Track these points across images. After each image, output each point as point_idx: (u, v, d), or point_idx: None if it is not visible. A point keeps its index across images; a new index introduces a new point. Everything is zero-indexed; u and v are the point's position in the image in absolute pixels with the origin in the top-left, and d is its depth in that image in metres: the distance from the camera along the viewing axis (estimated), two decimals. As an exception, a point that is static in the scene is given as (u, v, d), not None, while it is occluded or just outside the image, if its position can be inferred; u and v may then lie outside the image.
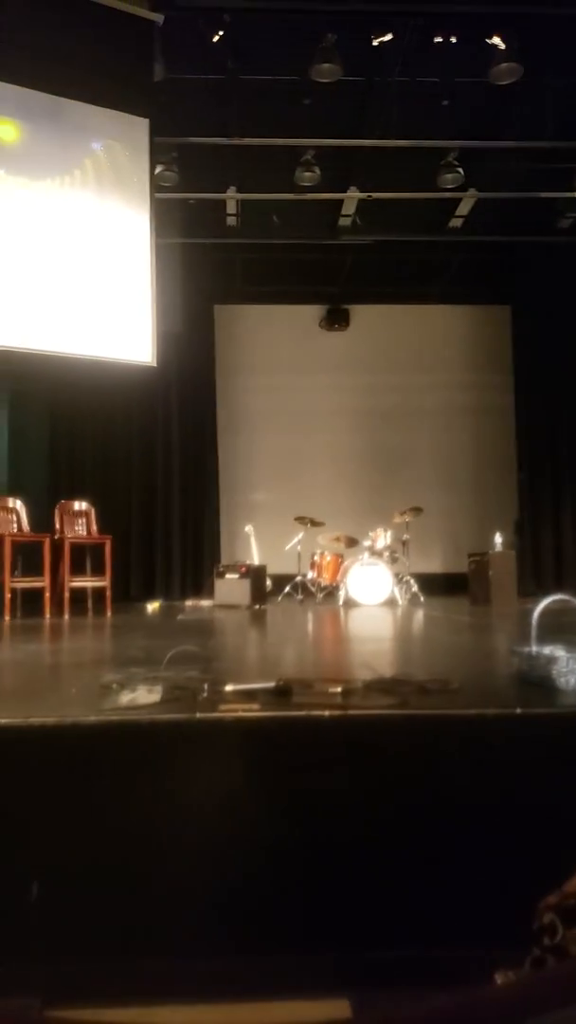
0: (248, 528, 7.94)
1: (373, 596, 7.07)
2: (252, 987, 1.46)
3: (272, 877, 1.63)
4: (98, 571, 6.48)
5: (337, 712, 1.82)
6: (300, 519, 7.88)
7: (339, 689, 2.04)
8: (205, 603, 7.48)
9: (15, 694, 2.51)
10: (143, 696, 2.04)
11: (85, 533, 6.67)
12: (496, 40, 6.15)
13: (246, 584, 7.00)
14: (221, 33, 6.17)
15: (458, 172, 7.44)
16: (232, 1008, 1.43)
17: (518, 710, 1.84)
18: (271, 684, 2.10)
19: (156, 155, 6.95)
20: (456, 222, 8.49)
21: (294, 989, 1.46)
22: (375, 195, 7.86)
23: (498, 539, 7.42)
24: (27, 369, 6.66)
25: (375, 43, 6.19)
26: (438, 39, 6.22)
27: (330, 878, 1.65)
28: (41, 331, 6.35)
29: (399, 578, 7.39)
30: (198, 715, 1.82)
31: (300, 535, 7.81)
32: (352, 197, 7.98)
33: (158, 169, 7.09)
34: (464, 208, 8.27)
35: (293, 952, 1.56)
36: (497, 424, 9.74)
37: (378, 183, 7.75)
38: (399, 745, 1.76)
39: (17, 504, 6.38)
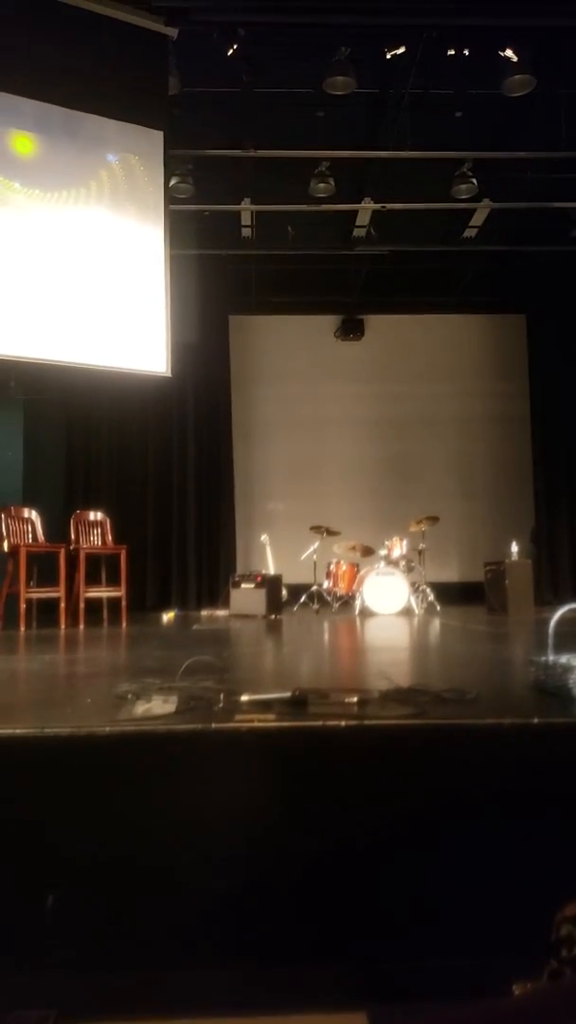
0: (264, 538, 7.95)
1: (389, 605, 7.05)
2: (269, 1000, 1.45)
3: (289, 888, 1.62)
4: (113, 581, 6.50)
5: (354, 722, 1.81)
6: (316, 528, 7.88)
7: (355, 699, 2.04)
8: (221, 613, 7.49)
9: (31, 704, 2.52)
10: (158, 706, 2.04)
11: (100, 543, 6.69)
12: (509, 52, 6.16)
13: (262, 594, 7.00)
14: (235, 46, 6.22)
15: (472, 183, 7.47)
16: (248, 1021, 1.42)
17: (535, 720, 1.82)
18: (287, 694, 2.09)
19: (171, 167, 7.01)
20: (471, 232, 8.51)
21: (311, 1002, 1.45)
22: (389, 206, 7.89)
23: (515, 548, 7.39)
24: (43, 379, 6.72)
25: (388, 56, 6.23)
26: (451, 52, 6.24)
27: (347, 889, 1.64)
28: (57, 342, 6.40)
29: (415, 587, 7.37)
30: (214, 725, 1.82)
31: (316, 544, 7.81)
32: (366, 208, 8.01)
33: (173, 181, 7.16)
34: (478, 218, 8.29)
35: (310, 964, 1.55)
36: (513, 432, 9.72)
37: (392, 194, 7.78)
38: (416, 755, 1.75)
39: (33, 514, 6.41)
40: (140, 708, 2.03)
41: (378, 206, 7.95)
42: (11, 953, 1.55)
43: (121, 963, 1.56)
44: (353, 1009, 1.44)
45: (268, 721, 1.85)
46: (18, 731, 1.80)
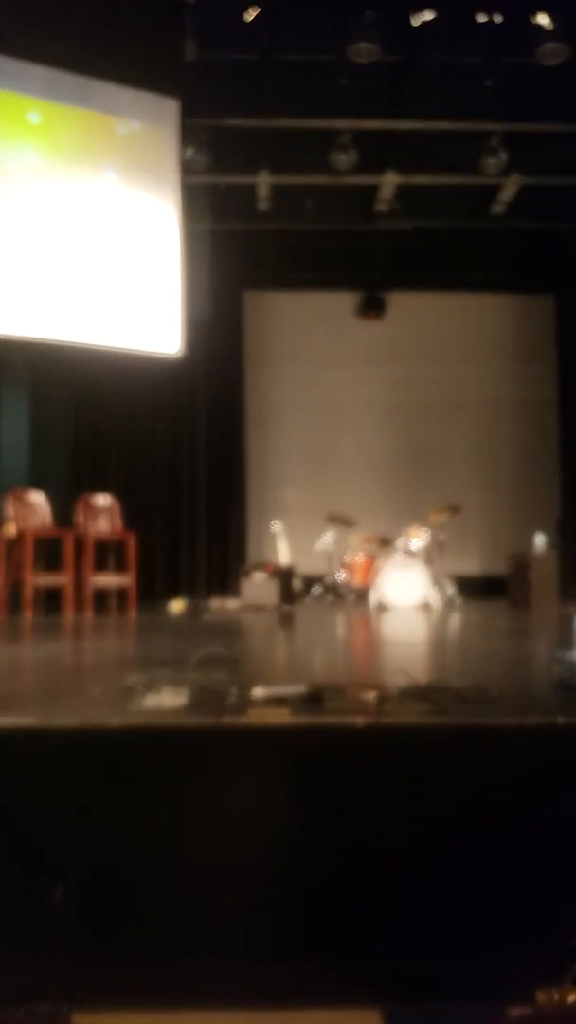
0: (275, 525, 7.93)
1: (407, 598, 7.05)
2: (282, 995, 1.48)
3: (302, 885, 1.64)
4: (122, 568, 6.53)
5: (372, 720, 1.83)
6: (331, 517, 7.88)
7: (373, 696, 2.05)
8: (231, 603, 7.51)
9: (38, 695, 2.55)
10: (169, 699, 2.06)
11: (109, 529, 6.72)
12: (542, 19, 6.09)
13: (274, 584, 7.03)
14: (255, 11, 6.17)
15: (501, 156, 7.39)
16: (261, 1016, 1.45)
17: (560, 719, 1.83)
18: (302, 689, 2.11)
19: (186, 137, 6.99)
20: (498, 208, 8.43)
21: (325, 998, 1.47)
22: (414, 179, 7.83)
23: (539, 539, 7.36)
24: (51, 360, 6.73)
25: (415, 22, 6.17)
26: (481, 18, 6.18)
27: (363, 887, 1.66)
28: (66, 320, 6.42)
29: (434, 580, 7.36)
30: (226, 720, 1.84)
31: (331, 534, 7.81)
32: (390, 181, 7.95)
33: (188, 152, 7.13)
34: (507, 194, 8.20)
35: (325, 961, 1.57)
36: (539, 419, 9.66)
37: (417, 167, 7.72)
38: (435, 754, 1.77)
39: (40, 498, 6.45)
40: (150, 700, 2.05)
41: (402, 179, 7.89)
42: (22, 946, 1.58)
43: (132, 957, 1.59)
44: (367, 1006, 1.47)
45: (282, 717, 1.87)
46: (25, 722, 1.83)
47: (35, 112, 6.38)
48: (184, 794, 1.74)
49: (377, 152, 7.60)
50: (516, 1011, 0.96)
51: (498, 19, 6.16)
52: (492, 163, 7.43)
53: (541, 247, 9.22)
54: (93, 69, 6.50)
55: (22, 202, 6.32)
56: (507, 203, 8.36)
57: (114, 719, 1.85)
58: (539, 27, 6.14)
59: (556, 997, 0.91)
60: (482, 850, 1.68)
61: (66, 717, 1.87)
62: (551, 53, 6.23)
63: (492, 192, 8.25)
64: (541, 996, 0.87)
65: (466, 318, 9.87)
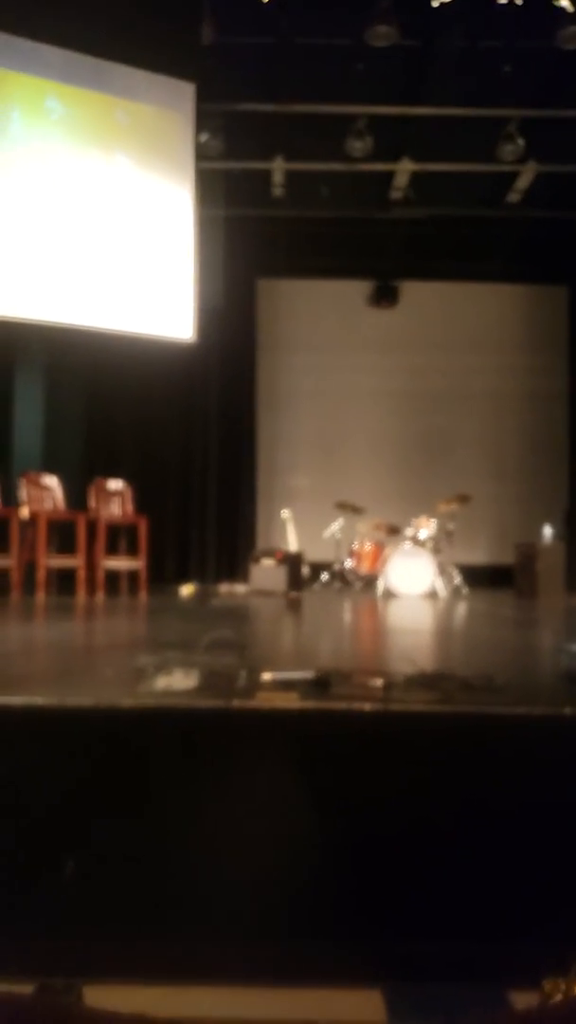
0: (285, 513, 7.95)
1: (414, 587, 7.07)
2: (287, 973, 1.51)
3: (308, 865, 1.67)
4: (133, 551, 6.57)
5: (378, 706, 1.85)
6: (340, 505, 7.89)
7: (380, 682, 2.07)
8: (239, 588, 7.54)
9: (51, 675, 2.58)
10: (179, 681, 2.08)
11: (120, 512, 6.75)
12: (564, 2, 6.02)
13: (282, 570, 7.05)
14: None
15: (518, 143, 7.32)
16: (264, 993, 1.47)
17: (566, 710, 1.84)
18: (310, 674, 2.13)
19: (201, 122, 6.95)
20: (514, 196, 8.37)
21: (327, 978, 1.50)
22: (429, 167, 7.78)
23: (547, 530, 7.36)
24: (65, 344, 6.75)
25: (434, 4, 6.10)
26: (502, 0, 6.11)
27: (367, 869, 1.69)
28: (79, 304, 6.42)
29: (442, 569, 7.36)
30: (235, 703, 1.86)
31: (340, 521, 7.82)
32: (405, 168, 7.90)
33: (203, 137, 7.10)
34: (523, 182, 8.14)
35: (327, 942, 1.60)
36: (550, 410, 9.63)
37: (433, 154, 7.67)
38: (441, 741, 1.78)
39: (53, 481, 6.48)
40: (160, 682, 2.07)
41: (417, 167, 7.84)
42: (35, 921, 1.61)
43: (138, 931, 1.62)
44: (368, 986, 1.49)
45: (290, 701, 1.89)
46: (39, 702, 1.85)
47: (51, 95, 6.37)
48: (193, 774, 1.76)
49: (392, 139, 7.55)
50: (521, 1001, 0.97)
51: (519, 1, 6.07)
52: (509, 150, 7.37)
53: (556, 236, 9.16)
54: (109, 52, 6.47)
55: (37, 186, 6.31)
56: (523, 191, 8.30)
57: (125, 700, 1.87)
58: (561, 10, 6.05)
59: (563, 988, 0.92)
60: (487, 836, 1.70)
61: (79, 697, 1.89)
62: (572, 37, 6.16)
63: (508, 180, 8.19)
64: (547, 985, 0.89)
65: (478, 308, 9.82)
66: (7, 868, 1.67)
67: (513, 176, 8.09)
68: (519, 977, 1.31)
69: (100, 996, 0.97)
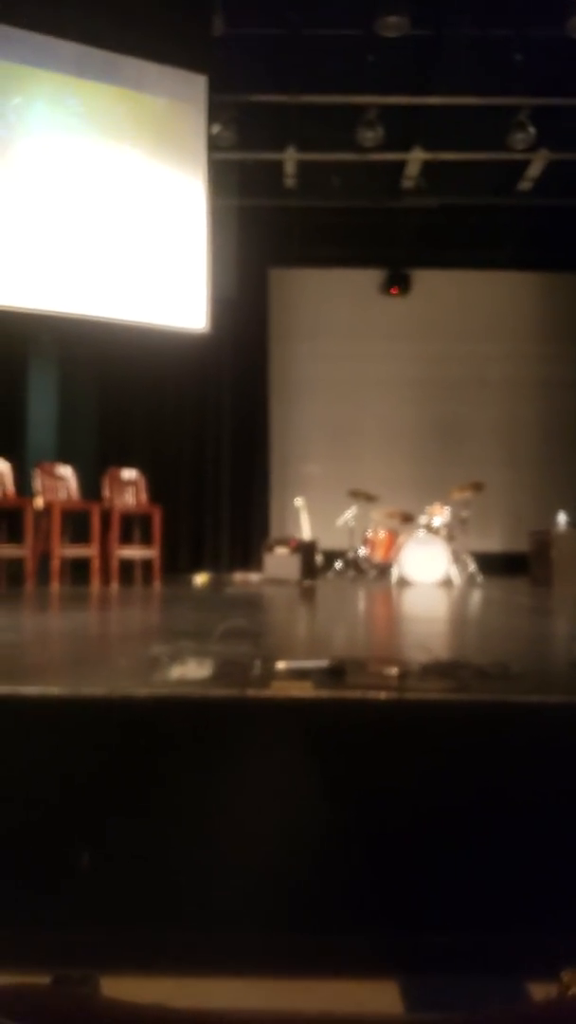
0: (299, 501, 7.93)
1: (428, 575, 7.04)
2: (301, 965, 1.49)
3: (324, 856, 1.65)
4: (147, 541, 6.57)
5: (394, 695, 1.83)
6: (354, 493, 7.86)
7: (395, 671, 2.04)
8: (253, 577, 7.54)
9: (65, 664, 2.57)
10: (193, 670, 2.07)
11: (135, 502, 6.75)
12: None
13: (296, 559, 7.03)
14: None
15: (529, 132, 7.25)
16: (281, 984, 1.46)
17: (582, 698, 1.82)
18: (324, 663, 2.11)
19: (213, 113, 6.91)
20: (526, 185, 8.28)
21: (343, 969, 1.48)
22: (440, 156, 7.71)
23: (562, 518, 7.29)
24: (77, 335, 6.74)
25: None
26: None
27: (382, 860, 1.67)
28: (92, 295, 6.41)
29: (456, 557, 7.33)
30: (250, 692, 1.84)
31: (353, 509, 7.79)
32: (416, 158, 7.84)
33: (215, 128, 7.06)
34: (535, 170, 8.06)
35: (343, 933, 1.58)
36: (564, 397, 9.56)
37: (444, 143, 7.60)
38: (457, 730, 1.76)
39: (67, 471, 6.49)
40: (175, 671, 2.06)
41: (429, 156, 7.77)
42: (51, 912, 1.60)
43: (154, 922, 1.61)
44: (385, 977, 1.47)
45: (305, 690, 1.87)
46: (54, 691, 1.84)
47: (64, 89, 6.34)
48: (208, 764, 1.74)
49: (403, 128, 7.49)
50: (539, 992, 0.95)
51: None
52: (520, 138, 7.29)
53: (567, 224, 9.07)
54: (122, 45, 6.44)
55: (50, 178, 6.29)
56: (534, 179, 8.22)
57: (140, 689, 1.86)
58: (571, -1, 5.99)
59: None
60: (504, 825, 1.68)
61: (93, 687, 1.88)
62: (583, 25, 6.08)
63: (519, 168, 8.11)
64: (566, 976, 0.87)
65: (491, 296, 9.74)
66: (23, 860, 1.66)
67: (524, 164, 8.01)
68: (537, 968, 1.29)
69: (117, 987, 0.95)
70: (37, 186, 6.25)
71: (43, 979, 0.91)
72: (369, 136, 7.30)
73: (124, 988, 0.98)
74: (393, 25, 6.19)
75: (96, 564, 6.14)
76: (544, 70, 6.78)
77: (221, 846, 1.66)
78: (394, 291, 9.73)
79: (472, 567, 7.48)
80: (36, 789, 1.72)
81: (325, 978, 1.47)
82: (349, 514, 7.81)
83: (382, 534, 7.70)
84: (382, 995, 1.40)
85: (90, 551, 6.14)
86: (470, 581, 7.33)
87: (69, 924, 1.57)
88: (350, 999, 1.42)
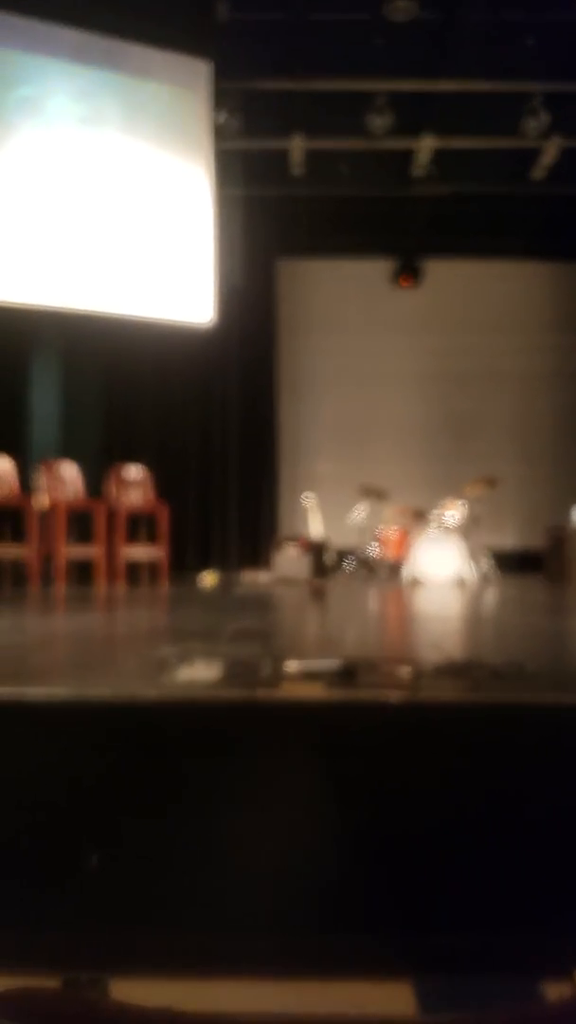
0: (309, 499, 7.93)
1: (441, 573, 7.04)
2: (314, 967, 1.51)
3: (336, 858, 1.67)
4: (153, 540, 6.58)
5: (406, 696, 1.84)
6: (364, 489, 7.86)
7: (407, 671, 2.05)
8: (263, 576, 7.55)
9: (71, 666, 2.60)
10: (202, 671, 2.09)
11: (141, 500, 6.77)
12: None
13: (306, 558, 7.05)
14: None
15: (542, 118, 7.23)
16: (293, 986, 1.48)
17: (598, 699, 1.82)
18: (335, 663, 2.12)
19: (218, 101, 6.92)
20: (539, 172, 8.26)
21: (357, 970, 1.50)
22: (452, 143, 7.70)
23: (578, 515, 7.29)
24: (81, 330, 6.76)
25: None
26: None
27: (394, 861, 1.68)
28: (97, 290, 6.42)
29: (470, 554, 7.32)
30: (260, 694, 1.86)
31: (364, 506, 7.80)
32: (427, 145, 7.82)
33: (220, 116, 7.06)
34: (548, 157, 8.03)
35: (357, 934, 1.60)
36: (580, 391, 9.54)
37: (455, 130, 7.58)
38: (471, 731, 1.77)
39: (71, 469, 6.50)
40: (183, 673, 2.08)
41: (439, 143, 7.76)
42: (60, 914, 1.63)
43: (164, 924, 1.63)
44: (398, 978, 1.49)
45: (316, 691, 1.88)
46: (61, 693, 1.86)
47: (65, 78, 6.35)
48: (217, 766, 1.76)
49: (414, 115, 7.47)
50: (553, 991, 0.97)
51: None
52: (533, 125, 7.27)
53: (583, 212, 9.04)
54: (125, 32, 6.45)
55: (52, 170, 6.31)
56: (547, 167, 8.19)
57: (148, 691, 1.88)
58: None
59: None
60: (517, 826, 1.69)
61: (101, 689, 1.90)
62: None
63: (532, 156, 8.08)
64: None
65: (504, 286, 9.72)
66: (31, 863, 1.68)
67: (537, 152, 7.98)
68: (551, 968, 1.31)
69: (126, 990, 0.97)
70: (39, 178, 6.27)
71: (53, 982, 0.93)
72: (378, 123, 7.29)
73: (133, 991, 1.00)
74: (402, 9, 6.18)
75: (101, 564, 6.16)
76: (558, 55, 6.76)
77: (230, 848, 1.68)
78: (405, 282, 9.71)
79: (486, 564, 7.48)
80: (44, 791, 1.74)
81: (337, 980, 1.49)
82: (360, 511, 7.81)
83: (394, 532, 7.70)
84: (396, 996, 1.42)
85: (95, 551, 6.16)
86: (484, 579, 7.33)
87: (78, 926, 1.59)
88: (363, 1001, 1.43)
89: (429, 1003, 1.39)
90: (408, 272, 9.75)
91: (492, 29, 6.44)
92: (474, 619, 4.52)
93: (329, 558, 7.51)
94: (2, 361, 8.21)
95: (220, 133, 7.08)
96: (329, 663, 2.14)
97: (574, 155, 7.93)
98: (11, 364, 8.02)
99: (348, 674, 2.06)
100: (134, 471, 6.92)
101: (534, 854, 1.66)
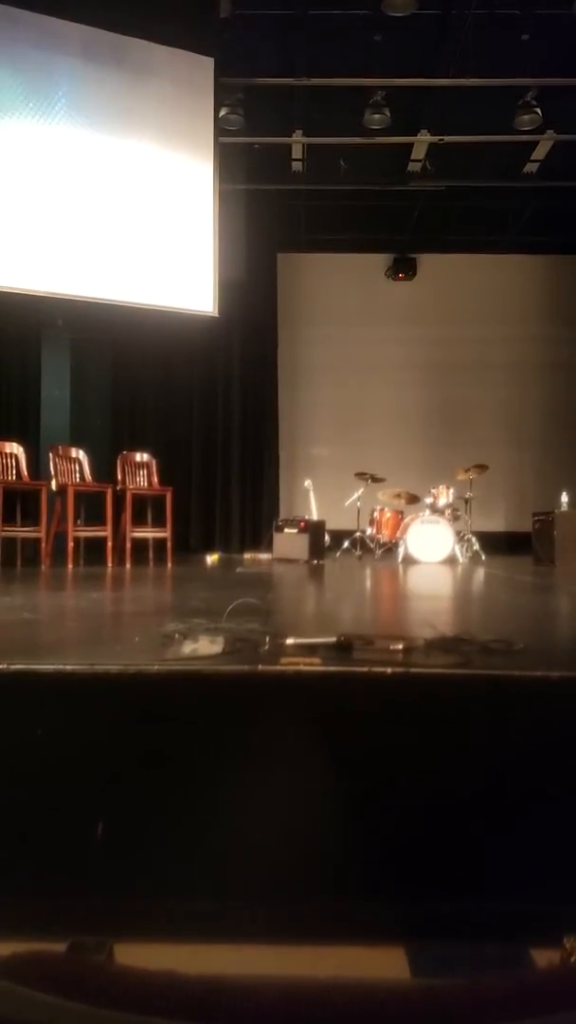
0: (307, 483, 7.94)
1: (433, 554, 7.04)
2: (310, 932, 1.50)
3: (332, 825, 1.66)
4: (159, 522, 6.58)
5: (399, 669, 1.83)
6: (361, 474, 7.84)
7: (400, 646, 2.04)
8: (263, 556, 7.54)
9: (80, 641, 2.59)
10: (205, 646, 2.08)
11: (147, 484, 6.76)
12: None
13: (305, 539, 7.04)
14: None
15: (536, 113, 7.16)
16: (290, 951, 1.47)
17: (585, 673, 1.81)
18: (332, 639, 2.11)
19: (221, 96, 6.84)
20: (532, 167, 8.19)
21: (352, 936, 1.49)
22: (447, 138, 7.62)
23: (564, 498, 7.27)
24: (90, 318, 6.71)
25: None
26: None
27: (388, 829, 1.68)
28: (103, 279, 6.37)
29: (460, 536, 7.32)
30: (260, 667, 1.85)
31: (360, 490, 7.79)
32: (423, 141, 7.75)
33: (223, 111, 6.99)
34: (541, 152, 7.96)
35: (351, 900, 1.59)
36: (569, 380, 9.51)
37: (450, 126, 7.51)
38: (461, 703, 1.76)
39: (80, 454, 6.49)
40: (187, 648, 2.07)
41: (435, 138, 7.68)
42: (66, 881, 1.62)
43: (166, 890, 1.62)
44: (392, 944, 1.49)
45: (314, 665, 1.87)
46: (68, 667, 1.85)
47: (71, 72, 6.27)
48: (219, 736, 1.75)
49: (410, 111, 7.41)
50: (542, 958, 0.96)
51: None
52: (526, 120, 7.21)
53: (574, 206, 8.96)
54: (130, 28, 6.36)
55: (60, 163, 6.24)
56: (540, 161, 8.12)
57: (154, 665, 1.87)
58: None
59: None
60: (506, 795, 1.68)
61: (107, 663, 1.89)
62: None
63: (526, 150, 8.01)
64: (569, 943, 0.87)
65: (497, 279, 9.67)
66: (38, 830, 1.68)
67: (531, 146, 7.91)
68: (541, 935, 1.30)
69: (130, 954, 0.96)
70: (47, 170, 6.20)
71: (58, 946, 0.92)
72: (376, 119, 7.22)
73: (137, 955, 0.99)
74: (400, 5, 6.09)
75: (110, 544, 6.16)
76: (551, 51, 6.68)
77: (232, 816, 1.67)
78: (400, 277, 9.67)
79: (476, 546, 7.48)
80: (52, 762, 1.73)
81: (334, 945, 1.48)
82: (356, 495, 7.80)
83: (388, 514, 7.69)
84: (390, 961, 1.42)
85: (103, 532, 6.15)
86: (474, 559, 7.33)
87: (84, 893, 1.58)
88: (358, 965, 1.43)
89: (421, 968, 1.38)
90: (403, 267, 9.70)
91: (487, 25, 6.35)
92: (464, 598, 4.51)
93: (327, 539, 7.50)
94: (13, 351, 8.18)
95: (222, 128, 7.00)
96: (326, 639, 2.12)
97: (566, 149, 7.86)
98: (22, 352, 7.99)
99: (344, 649, 2.05)
100: (140, 456, 6.89)
101: (524, 822, 1.65)
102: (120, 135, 6.43)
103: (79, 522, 6.09)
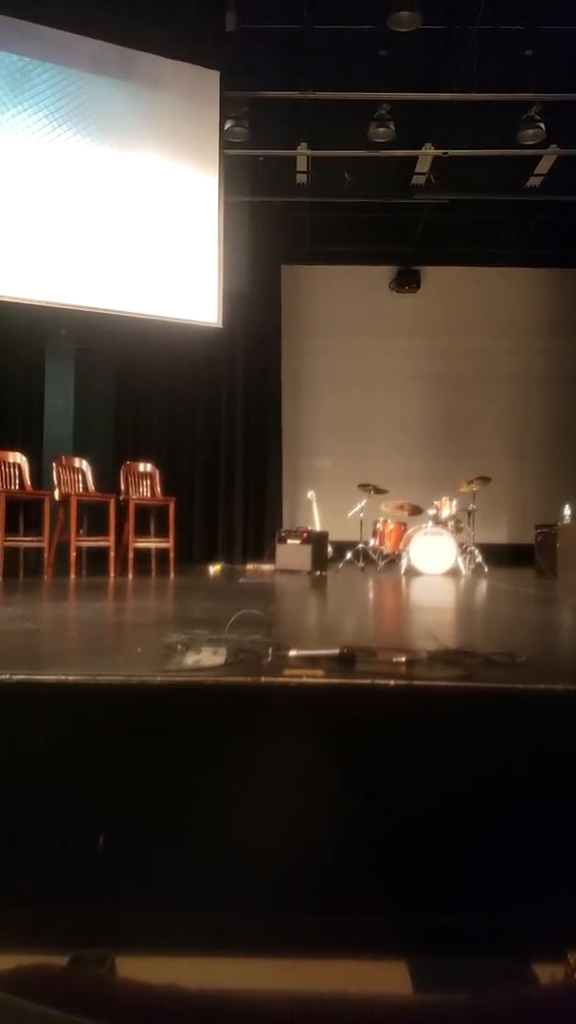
0: (310, 494, 7.94)
1: (436, 566, 7.03)
2: (313, 945, 1.50)
3: (334, 839, 1.65)
4: (162, 532, 6.58)
5: (402, 682, 1.82)
6: (364, 486, 7.85)
7: (403, 659, 2.04)
8: (266, 567, 7.54)
9: (82, 652, 2.58)
10: (208, 658, 2.07)
11: (150, 495, 6.76)
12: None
13: (307, 550, 7.03)
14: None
15: (540, 127, 7.20)
16: (293, 964, 1.46)
17: (588, 687, 1.81)
18: (335, 651, 2.11)
19: (226, 109, 6.88)
20: (535, 181, 8.22)
21: (354, 950, 1.49)
22: (451, 152, 7.66)
23: (567, 511, 7.27)
24: (94, 328, 6.74)
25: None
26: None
27: (391, 842, 1.67)
28: (108, 290, 6.40)
29: (463, 548, 7.31)
30: (263, 679, 1.84)
31: (363, 502, 7.79)
32: (427, 154, 7.78)
33: (228, 124, 7.03)
34: (544, 166, 7.99)
35: (353, 914, 1.59)
36: (571, 392, 9.52)
37: (455, 139, 7.55)
38: (465, 717, 1.76)
39: (83, 464, 6.50)
40: (190, 659, 2.07)
41: (439, 152, 7.72)
42: (67, 893, 1.61)
43: (166, 903, 1.62)
44: (394, 958, 1.48)
45: (316, 677, 1.87)
46: (70, 678, 1.85)
47: (79, 85, 6.32)
48: (221, 748, 1.75)
49: (414, 124, 7.45)
50: (546, 974, 0.95)
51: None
52: (530, 134, 7.24)
53: (577, 220, 9.00)
54: (137, 41, 6.41)
55: (67, 174, 6.28)
56: (544, 176, 8.15)
57: (156, 676, 1.87)
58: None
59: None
60: (510, 809, 1.67)
61: (110, 674, 1.88)
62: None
63: (529, 164, 8.04)
64: (572, 958, 0.86)
65: (500, 292, 9.70)
66: (39, 841, 1.67)
67: (534, 160, 7.94)
68: (544, 950, 1.29)
69: (131, 967, 0.96)
70: (53, 181, 6.24)
71: (60, 959, 0.92)
72: (380, 132, 7.26)
73: (138, 967, 0.98)
74: (405, 20, 6.14)
75: (112, 555, 6.16)
76: (555, 66, 6.72)
77: (234, 828, 1.67)
78: (404, 289, 9.70)
79: (479, 558, 7.47)
80: (53, 773, 1.73)
81: (336, 958, 1.47)
82: (359, 506, 7.80)
83: (391, 526, 7.69)
84: (392, 975, 1.41)
85: (107, 542, 6.16)
86: (477, 572, 7.32)
87: (86, 905, 1.58)
88: (360, 979, 1.42)
89: (424, 983, 1.37)
90: (407, 279, 9.73)
91: (491, 40, 6.39)
92: (467, 610, 4.50)
93: (330, 551, 7.50)
94: (18, 361, 8.21)
95: (227, 140, 7.05)
96: (329, 651, 2.12)
97: (570, 164, 7.89)
98: (26, 362, 8.02)
99: (347, 661, 2.05)
100: (143, 466, 6.90)
101: (528, 836, 1.64)
102: (127, 147, 6.47)
103: (82, 532, 6.09)
